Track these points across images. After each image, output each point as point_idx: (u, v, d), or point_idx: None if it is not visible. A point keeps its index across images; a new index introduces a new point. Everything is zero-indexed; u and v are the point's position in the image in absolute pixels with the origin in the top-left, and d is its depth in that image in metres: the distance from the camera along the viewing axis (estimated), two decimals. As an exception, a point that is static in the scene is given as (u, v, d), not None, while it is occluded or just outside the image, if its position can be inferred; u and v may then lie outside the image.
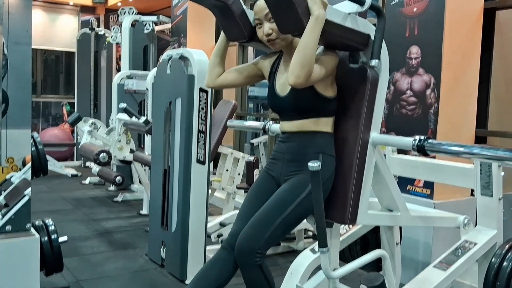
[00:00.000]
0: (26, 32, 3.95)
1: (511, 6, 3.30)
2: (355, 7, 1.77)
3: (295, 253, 3.35)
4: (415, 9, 3.22)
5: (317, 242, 1.79)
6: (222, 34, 2.05)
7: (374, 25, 1.85)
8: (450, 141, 1.82)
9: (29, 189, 2.57)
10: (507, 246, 2.11)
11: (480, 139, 3.29)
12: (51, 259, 2.68)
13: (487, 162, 2.17)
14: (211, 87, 2.11)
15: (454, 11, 3.08)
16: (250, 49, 6.05)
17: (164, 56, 3.36)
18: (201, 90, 3.07)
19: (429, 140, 1.73)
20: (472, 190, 2.56)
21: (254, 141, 6.38)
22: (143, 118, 4.21)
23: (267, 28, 1.85)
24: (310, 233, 3.82)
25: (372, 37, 1.84)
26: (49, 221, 2.77)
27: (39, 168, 3.07)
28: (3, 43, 4.50)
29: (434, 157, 2.76)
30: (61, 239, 2.75)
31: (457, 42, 3.11)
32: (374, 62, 1.82)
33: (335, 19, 1.72)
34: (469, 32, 3.19)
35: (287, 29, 1.76)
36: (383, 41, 1.85)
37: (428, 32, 3.14)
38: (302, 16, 1.65)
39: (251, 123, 2.94)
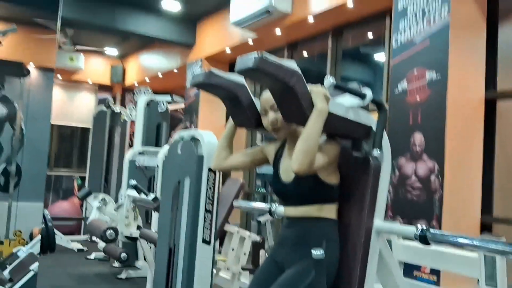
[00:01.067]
0: (46, 110, 4.12)
1: (511, 96, 3.42)
2: (356, 101, 1.88)
3: None
4: (418, 98, 3.36)
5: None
6: (230, 120, 2.15)
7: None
8: (455, 227, 1.84)
9: (36, 264, 2.59)
10: None
11: (485, 226, 3.28)
12: None
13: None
14: (218, 170, 2.18)
15: (455, 101, 3.21)
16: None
17: (176, 137, 3.48)
18: (210, 170, 3.15)
19: (431, 230, 1.76)
20: (478, 280, 2.52)
21: (261, 219, 6.33)
22: (152, 195, 4.27)
23: (272, 118, 1.95)
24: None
25: (374, 128, 1.93)
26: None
27: (47, 246, 3.10)
28: (21, 118, 4.68)
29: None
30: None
31: (459, 130, 3.21)
32: (376, 152, 1.89)
33: (338, 112, 1.82)
34: (471, 120, 3.30)
35: (291, 119, 1.85)
36: (384, 131, 1.94)
37: (431, 120, 3.25)
38: (305, 108, 1.74)
39: (258, 205, 2.99)
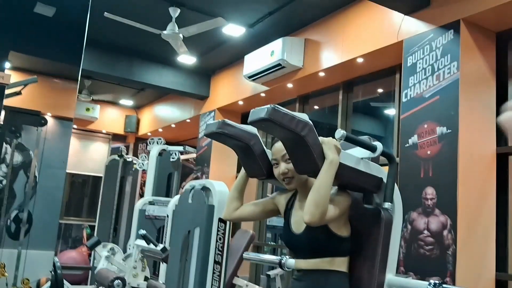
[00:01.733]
0: (62, 159, 4.18)
1: (523, 152, 3.42)
2: (367, 153, 1.90)
3: None
4: (428, 152, 3.37)
5: None
6: (242, 170, 2.17)
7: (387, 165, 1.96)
8: (469, 284, 1.81)
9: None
10: None
11: (501, 284, 3.19)
12: None
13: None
14: (228, 220, 2.18)
15: (467, 155, 3.21)
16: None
17: (187, 186, 3.50)
18: (220, 220, 3.13)
19: (444, 285, 1.73)
20: None
21: (271, 273, 6.22)
22: (160, 246, 4.24)
23: (283, 168, 1.97)
24: None
25: (385, 180, 1.94)
26: None
27: (55, 293, 3.06)
28: (35, 166, 4.74)
29: (453, 301, 2.68)
30: None
31: (471, 184, 3.19)
32: (387, 205, 1.89)
33: (349, 163, 1.84)
34: (483, 175, 3.28)
35: (303, 170, 1.87)
36: (396, 184, 1.95)
37: (442, 174, 3.24)
38: (317, 159, 1.76)
39: (267, 257, 2.95)
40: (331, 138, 1.81)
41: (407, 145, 3.53)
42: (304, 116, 1.77)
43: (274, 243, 7.13)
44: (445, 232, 3.13)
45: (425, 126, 3.43)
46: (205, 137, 6.81)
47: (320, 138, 1.79)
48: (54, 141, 4.71)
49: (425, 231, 3.26)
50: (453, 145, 3.21)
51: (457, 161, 3.17)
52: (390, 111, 5.06)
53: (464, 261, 3.04)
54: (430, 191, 3.28)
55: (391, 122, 4.77)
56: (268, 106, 1.70)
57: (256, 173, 2.12)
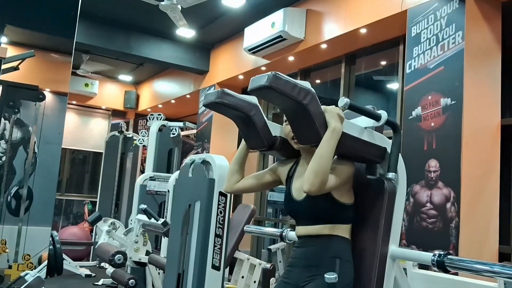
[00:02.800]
0: (58, 134, 4.13)
1: (528, 123, 3.37)
2: (371, 122, 1.84)
3: None
4: (432, 124, 3.31)
5: None
6: (243, 142, 2.12)
7: (390, 138, 1.91)
8: (472, 257, 1.77)
9: (43, 288, 2.54)
10: None
11: (504, 256, 3.18)
12: None
13: (511, 282, 2.08)
14: (229, 193, 2.15)
15: (471, 127, 3.16)
16: (270, 155, 6.18)
17: (187, 160, 3.46)
18: (221, 194, 3.10)
19: (449, 256, 1.70)
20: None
21: (272, 247, 6.25)
22: (161, 220, 4.23)
23: None
24: None
25: (389, 150, 1.89)
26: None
27: (54, 267, 3.06)
28: (35, 142, 4.71)
29: (456, 274, 2.67)
30: None
31: (475, 156, 3.14)
32: (391, 175, 1.84)
33: (352, 132, 1.79)
34: (487, 147, 3.24)
35: (305, 140, 1.82)
36: (400, 154, 1.90)
37: (446, 146, 3.19)
38: (319, 129, 1.71)
39: (268, 230, 2.93)
40: (334, 106, 1.75)
41: (411, 117, 3.47)
42: (307, 84, 1.72)
43: (275, 218, 7.14)
44: (448, 205, 3.10)
45: (429, 97, 3.37)
46: (204, 108, 6.79)
47: (323, 107, 1.73)
48: (52, 116, 4.66)
49: (428, 204, 3.23)
50: (457, 116, 3.15)
51: (461, 133, 3.12)
52: (393, 85, 4.99)
53: (467, 234, 3.02)
54: (433, 164, 3.24)
55: (394, 96, 4.70)
56: (269, 73, 1.64)
57: (257, 144, 2.07)
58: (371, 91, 6.02)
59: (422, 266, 2.65)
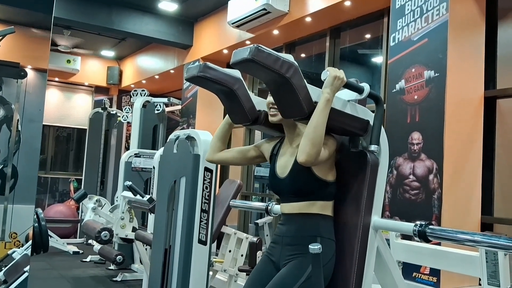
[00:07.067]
0: (40, 111, 4.06)
1: (511, 95, 3.39)
2: (354, 95, 1.84)
3: None
4: (415, 97, 3.32)
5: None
6: (226, 117, 2.11)
7: (373, 111, 1.91)
8: (455, 227, 1.80)
9: (28, 266, 2.54)
10: None
11: (486, 226, 3.24)
12: None
13: (491, 250, 2.12)
14: (210, 162, 2.16)
15: (454, 99, 3.17)
16: (258, 133, 6.18)
17: (172, 136, 3.44)
18: (206, 169, 3.10)
19: (431, 226, 1.72)
20: (480, 279, 2.48)
21: (259, 221, 6.30)
22: (147, 196, 4.23)
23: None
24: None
25: (371, 123, 1.89)
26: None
27: (40, 244, 3.05)
28: (18, 120, 4.64)
29: (439, 244, 2.72)
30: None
31: (458, 128, 3.17)
32: (373, 147, 1.85)
33: (336, 105, 1.78)
34: (470, 119, 3.26)
35: (289, 114, 1.81)
36: (382, 127, 1.90)
37: (429, 118, 3.21)
38: (302, 102, 1.70)
39: (254, 204, 2.95)
40: (333, 68, 1.75)
41: (394, 90, 3.48)
42: (289, 57, 1.70)
43: (262, 193, 7.19)
44: (431, 177, 3.14)
45: (413, 70, 3.37)
46: (189, 84, 6.72)
47: (328, 68, 1.73)
48: (33, 94, 4.59)
49: (411, 176, 3.26)
50: (440, 89, 3.16)
51: (444, 105, 3.13)
52: (378, 59, 4.98)
53: (449, 205, 3.07)
54: (416, 136, 3.26)
55: (378, 69, 4.69)
56: (251, 46, 1.62)
57: (240, 119, 2.05)
58: (356, 64, 6.00)
59: (405, 237, 2.70)
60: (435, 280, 3.03)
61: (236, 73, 1.95)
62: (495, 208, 3.34)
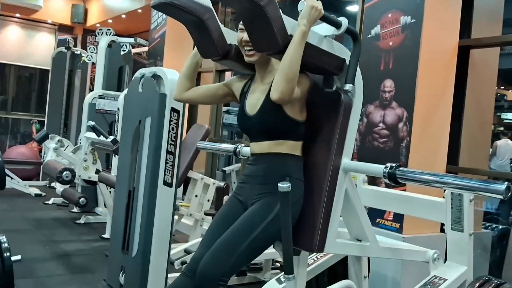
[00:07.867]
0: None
1: (485, 45, 3.36)
2: (331, 30, 1.75)
3: (261, 284, 3.22)
4: (390, 43, 3.25)
5: (283, 272, 1.70)
6: (194, 50, 2.00)
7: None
8: (421, 172, 1.77)
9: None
10: (477, 284, 2.06)
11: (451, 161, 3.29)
12: (1, 278, 2.51)
13: (458, 193, 2.13)
14: (178, 100, 2.07)
15: (429, 47, 3.12)
16: (228, 75, 6.03)
17: (137, 74, 3.29)
18: (173, 109, 2.99)
19: (401, 168, 1.70)
20: (442, 225, 2.52)
21: (227, 168, 6.29)
22: (111, 137, 4.10)
23: (247, 36, 1.78)
24: (278, 264, 3.72)
25: (348, 61, 1.82)
26: (2, 238, 2.61)
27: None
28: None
29: (404, 190, 2.74)
30: (13, 258, 2.58)
31: (431, 77, 3.14)
32: (348, 87, 1.79)
33: (311, 40, 1.69)
34: (443, 68, 3.23)
35: (262, 47, 1.72)
36: (358, 67, 1.83)
37: (402, 66, 3.16)
38: (277, 34, 1.61)
39: (222, 146, 2.88)
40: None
41: (369, 36, 3.39)
42: (264, -15, 1.58)
43: (231, 140, 7.13)
44: (400, 125, 3.12)
45: (389, 15, 3.28)
46: (157, 24, 6.44)
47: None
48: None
49: (381, 124, 3.24)
50: (416, 35, 3.09)
51: (418, 52, 3.07)
52: (353, 7, 4.85)
53: (417, 154, 3.07)
54: (388, 84, 3.21)
55: (354, 18, 4.57)
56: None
57: (210, 52, 1.94)
58: (331, 12, 5.86)
59: (371, 183, 2.70)
60: (398, 226, 3.08)
61: (207, 2, 1.82)
62: (460, 158, 3.37)
